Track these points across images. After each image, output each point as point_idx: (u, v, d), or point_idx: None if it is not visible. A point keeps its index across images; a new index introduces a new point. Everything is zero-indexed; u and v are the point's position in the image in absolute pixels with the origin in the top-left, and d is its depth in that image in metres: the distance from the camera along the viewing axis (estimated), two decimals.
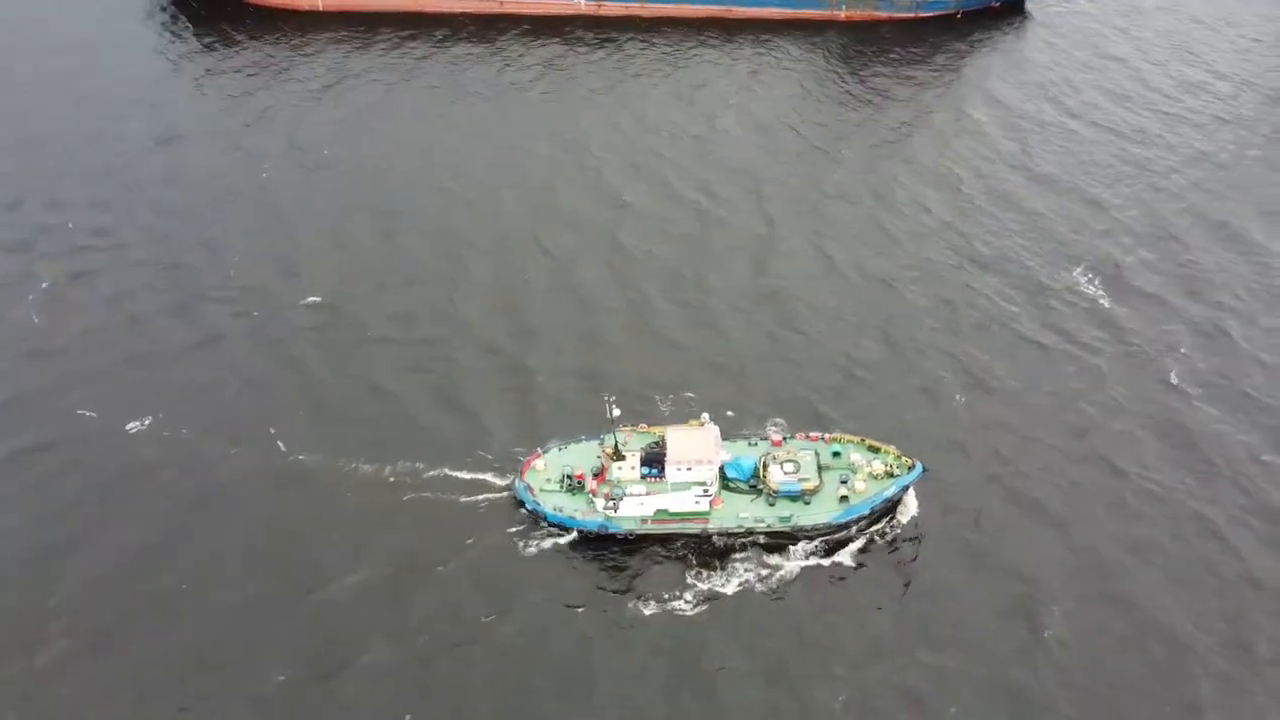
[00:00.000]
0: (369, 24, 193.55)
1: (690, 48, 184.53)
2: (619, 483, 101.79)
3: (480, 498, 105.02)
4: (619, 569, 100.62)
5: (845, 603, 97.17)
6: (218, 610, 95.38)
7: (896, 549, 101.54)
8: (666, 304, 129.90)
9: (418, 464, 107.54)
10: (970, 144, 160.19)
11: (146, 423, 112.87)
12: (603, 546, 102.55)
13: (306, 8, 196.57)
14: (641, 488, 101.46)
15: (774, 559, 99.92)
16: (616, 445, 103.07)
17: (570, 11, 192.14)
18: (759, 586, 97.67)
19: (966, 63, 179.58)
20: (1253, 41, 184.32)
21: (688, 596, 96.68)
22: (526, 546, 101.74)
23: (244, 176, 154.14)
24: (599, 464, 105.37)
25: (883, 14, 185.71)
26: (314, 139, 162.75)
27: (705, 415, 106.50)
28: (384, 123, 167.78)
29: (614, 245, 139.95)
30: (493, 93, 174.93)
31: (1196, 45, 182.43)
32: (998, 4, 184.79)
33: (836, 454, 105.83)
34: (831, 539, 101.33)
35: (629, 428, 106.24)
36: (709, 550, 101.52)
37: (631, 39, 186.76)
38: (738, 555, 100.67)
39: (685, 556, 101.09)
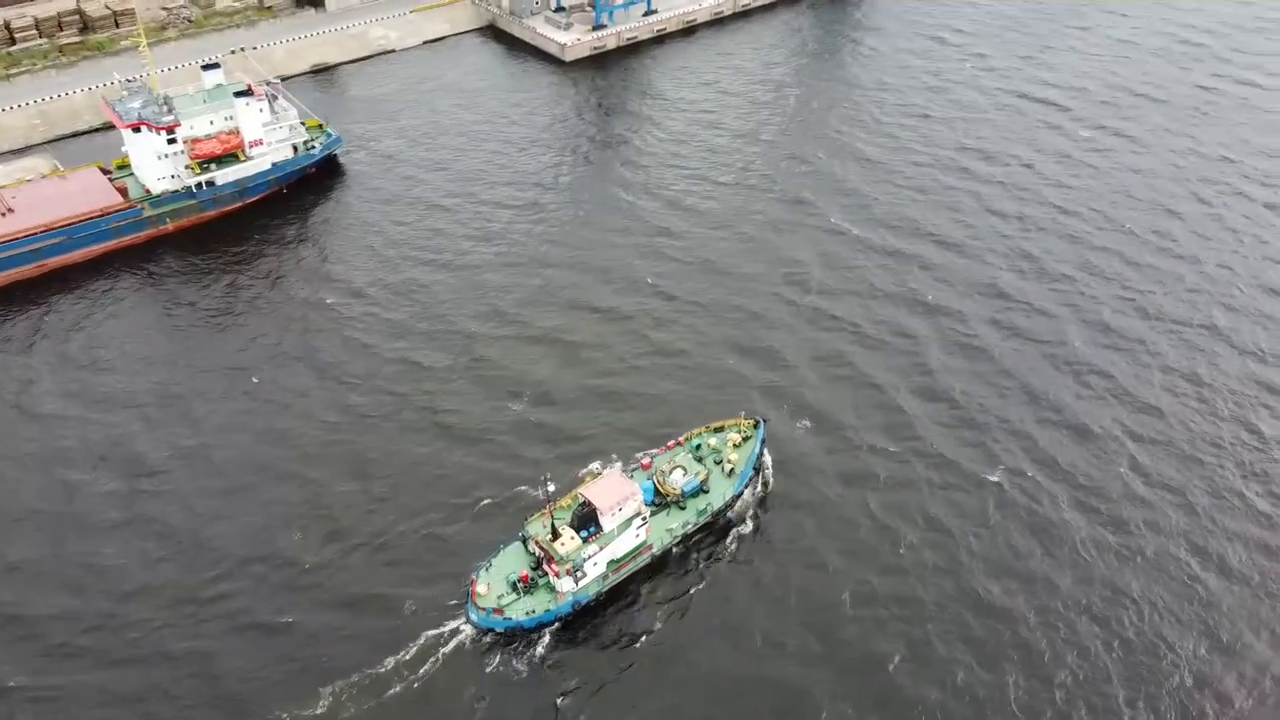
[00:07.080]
0: None
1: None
2: (570, 556, 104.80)
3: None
4: (609, 626, 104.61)
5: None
6: None
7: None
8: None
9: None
10: (333, 294, 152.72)
11: None
12: (576, 624, 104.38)
13: None
14: (592, 548, 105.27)
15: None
16: (553, 526, 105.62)
17: None
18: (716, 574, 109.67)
19: (301, 227, 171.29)
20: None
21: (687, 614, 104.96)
22: (517, 665, 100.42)
23: None
24: (533, 556, 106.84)
25: (210, 212, 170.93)
26: None
27: (594, 464, 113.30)
28: None
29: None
30: None
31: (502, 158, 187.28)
32: (313, 169, 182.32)
33: (697, 446, 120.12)
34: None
35: (539, 514, 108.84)
36: (652, 573, 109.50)
37: None
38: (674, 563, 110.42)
39: (637, 589, 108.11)
